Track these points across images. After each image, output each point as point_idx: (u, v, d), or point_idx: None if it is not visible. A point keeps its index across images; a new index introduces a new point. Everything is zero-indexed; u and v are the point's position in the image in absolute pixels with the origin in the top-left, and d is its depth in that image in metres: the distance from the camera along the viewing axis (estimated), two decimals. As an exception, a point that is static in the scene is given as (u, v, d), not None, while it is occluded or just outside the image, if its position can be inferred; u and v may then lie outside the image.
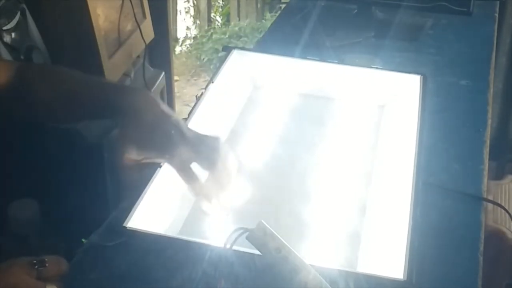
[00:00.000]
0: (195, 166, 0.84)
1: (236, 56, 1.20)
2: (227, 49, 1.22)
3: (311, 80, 1.22)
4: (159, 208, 0.87)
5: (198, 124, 1.01)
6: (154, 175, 0.87)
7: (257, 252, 0.74)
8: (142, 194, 0.84)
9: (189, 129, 0.87)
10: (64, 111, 0.93)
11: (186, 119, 1.00)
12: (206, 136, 0.88)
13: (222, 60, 1.19)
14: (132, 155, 0.82)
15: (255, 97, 1.22)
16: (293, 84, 1.23)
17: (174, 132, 0.84)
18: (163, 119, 0.84)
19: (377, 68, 1.22)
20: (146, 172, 0.86)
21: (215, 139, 0.88)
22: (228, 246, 0.73)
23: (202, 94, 1.06)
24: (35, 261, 0.71)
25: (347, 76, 1.21)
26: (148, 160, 0.84)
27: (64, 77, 0.94)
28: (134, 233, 0.79)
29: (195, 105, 1.03)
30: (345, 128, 1.14)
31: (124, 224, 0.80)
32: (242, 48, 1.25)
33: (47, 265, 0.71)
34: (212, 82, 1.09)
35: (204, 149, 0.85)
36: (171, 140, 0.83)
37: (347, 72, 1.21)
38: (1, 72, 0.92)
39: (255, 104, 1.21)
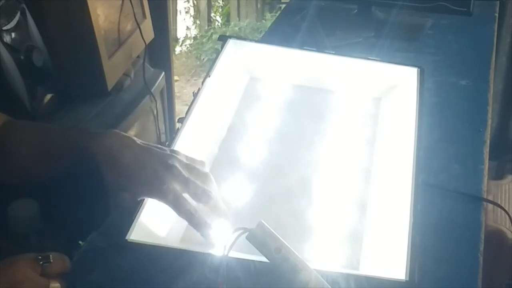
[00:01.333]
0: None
1: (232, 47, 1.19)
2: (223, 39, 1.21)
3: (308, 71, 1.21)
4: (160, 214, 0.87)
5: (197, 121, 1.01)
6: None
7: (256, 258, 0.74)
8: (143, 203, 0.84)
9: (174, 157, 0.84)
10: (39, 167, 0.91)
11: (184, 118, 1.00)
12: (193, 162, 0.86)
13: (218, 51, 1.18)
14: (127, 197, 0.81)
15: (252, 88, 1.22)
16: (289, 75, 1.22)
17: (157, 167, 0.82)
18: (142, 157, 0.83)
19: (374, 59, 1.21)
20: None
21: (201, 163, 0.87)
22: (228, 246, 0.73)
23: (199, 90, 1.06)
24: (40, 257, 0.71)
25: (345, 67, 1.20)
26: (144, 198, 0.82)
27: (39, 132, 0.93)
28: (136, 245, 0.79)
29: (192, 102, 1.03)
30: (343, 121, 1.13)
31: (126, 238, 0.79)
32: (238, 38, 1.24)
33: (51, 261, 0.71)
34: (209, 76, 1.09)
35: (194, 179, 0.83)
36: (155, 176, 0.81)
37: (345, 64, 1.20)
38: None
39: (251, 95, 1.20)
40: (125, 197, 0.81)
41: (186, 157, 0.87)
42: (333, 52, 1.26)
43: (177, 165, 0.83)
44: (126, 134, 0.86)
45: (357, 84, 1.20)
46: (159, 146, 0.86)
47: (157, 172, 0.81)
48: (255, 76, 1.24)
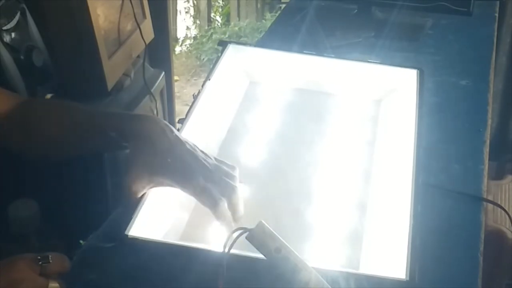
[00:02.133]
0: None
1: (232, 51, 1.19)
2: (223, 44, 1.21)
3: (308, 75, 1.21)
4: (160, 212, 0.87)
5: (197, 123, 1.01)
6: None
7: (257, 256, 0.74)
8: (143, 199, 0.84)
9: (205, 154, 0.85)
10: (71, 145, 0.92)
11: (184, 118, 1.00)
12: (222, 162, 0.87)
13: (218, 56, 1.19)
14: (143, 182, 0.81)
15: (252, 92, 1.22)
16: (289, 79, 1.23)
17: (190, 158, 0.82)
18: (177, 145, 0.83)
19: (374, 62, 1.21)
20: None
21: (232, 167, 0.87)
22: (228, 246, 0.73)
23: (199, 92, 1.06)
24: (39, 257, 0.71)
25: (344, 70, 1.20)
26: (157, 187, 0.83)
27: (69, 111, 0.93)
28: (136, 240, 0.79)
29: (192, 104, 1.03)
30: (343, 123, 1.13)
31: (126, 232, 0.79)
32: (238, 43, 1.24)
33: (50, 261, 0.71)
34: (209, 79, 1.09)
35: (221, 176, 0.84)
36: (186, 167, 0.82)
37: (344, 67, 1.20)
38: (4, 101, 0.92)
39: (251, 99, 1.20)
40: (143, 179, 0.81)
41: (216, 158, 0.87)
42: (333, 56, 1.26)
43: (208, 161, 0.84)
44: (165, 122, 0.86)
45: (357, 87, 1.20)
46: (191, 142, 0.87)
47: (189, 164, 0.82)
48: (255, 80, 1.24)
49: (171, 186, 0.83)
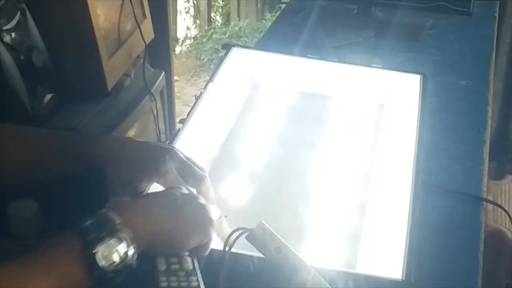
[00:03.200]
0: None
1: (235, 54, 1.20)
2: (227, 47, 1.21)
3: (311, 79, 1.22)
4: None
5: (198, 124, 1.01)
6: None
7: (256, 254, 0.74)
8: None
9: (172, 147, 0.86)
10: (34, 170, 0.90)
11: (185, 119, 1.00)
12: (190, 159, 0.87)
13: (221, 58, 1.19)
14: (129, 189, 0.81)
15: (255, 95, 1.22)
16: (292, 83, 1.23)
17: (157, 152, 0.83)
18: (141, 147, 0.84)
19: (376, 67, 1.22)
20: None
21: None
22: (228, 246, 0.73)
23: (201, 93, 1.06)
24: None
25: (347, 75, 1.20)
26: (146, 187, 0.83)
27: (34, 136, 0.91)
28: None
29: (194, 104, 1.03)
30: (345, 127, 1.14)
31: None
32: (242, 46, 1.24)
33: None
34: (212, 81, 1.09)
35: (189, 167, 0.84)
36: (156, 159, 0.82)
37: (347, 71, 1.21)
38: None
39: (254, 102, 1.20)
40: (126, 189, 0.80)
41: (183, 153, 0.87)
42: (336, 60, 1.26)
43: (175, 149, 0.84)
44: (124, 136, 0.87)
45: (359, 91, 1.20)
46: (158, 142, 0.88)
47: (156, 156, 0.82)
48: (258, 83, 1.24)
49: (152, 182, 0.83)
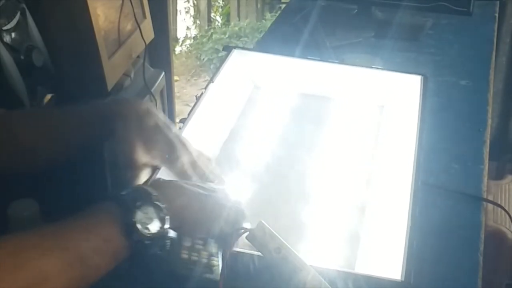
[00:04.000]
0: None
1: (236, 56, 1.20)
2: (228, 49, 1.22)
3: (311, 80, 1.22)
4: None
5: (198, 124, 1.01)
6: (154, 175, 0.87)
7: (256, 252, 0.74)
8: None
9: (187, 140, 0.87)
10: (54, 150, 0.90)
11: (185, 119, 1.00)
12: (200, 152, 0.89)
13: (222, 60, 1.19)
14: (135, 158, 0.82)
15: (255, 97, 1.22)
16: (293, 84, 1.23)
17: (176, 140, 0.84)
18: (165, 126, 0.84)
19: (377, 68, 1.22)
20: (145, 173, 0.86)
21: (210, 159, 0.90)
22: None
23: (202, 94, 1.06)
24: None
25: (347, 76, 1.21)
26: (149, 164, 0.83)
27: (47, 115, 0.92)
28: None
29: (194, 105, 1.03)
30: (345, 128, 1.14)
31: None
32: (243, 48, 1.25)
33: None
34: (212, 82, 1.09)
35: (201, 161, 0.86)
36: (174, 146, 0.83)
37: (347, 72, 1.21)
38: None
39: (255, 104, 1.21)
40: (135, 155, 0.81)
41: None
42: (336, 61, 1.26)
43: (191, 145, 0.86)
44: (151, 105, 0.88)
45: (360, 93, 1.20)
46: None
47: (174, 144, 0.83)
48: (259, 85, 1.24)
49: (161, 163, 0.84)
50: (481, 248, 0.91)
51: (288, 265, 0.72)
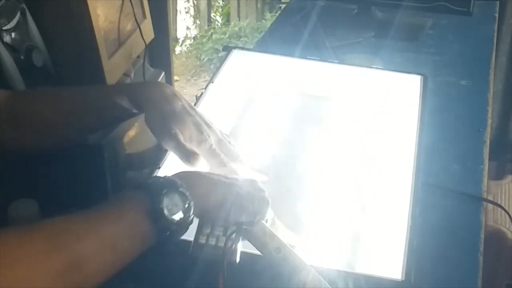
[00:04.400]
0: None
1: (236, 56, 1.20)
2: (227, 49, 1.22)
3: (311, 80, 1.22)
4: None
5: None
6: (154, 175, 0.88)
7: (257, 252, 0.74)
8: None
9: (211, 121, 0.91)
10: (73, 128, 0.94)
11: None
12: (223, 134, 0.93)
13: (222, 60, 1.19)
14: (166, 139, 0.85)
15: (255, 97, 1.22)
16: (293, 84, 1.23)
17: (203, 121, 0.88)
18: (191, 108, 0.89)
19: (377, 68, 1.22)
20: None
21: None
22: (228, 246, 0.73)
23: (202, 94, 1.06)
24: None
25: (347, 76, 1.21)
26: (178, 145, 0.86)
27: (63, 96, 0.95)
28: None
29: (194, 104, 1.03)
30: (345, 128, 1.14)
31: None
32: (242, 48, 1.25)
33: None
34: (212, 82, 1.09)
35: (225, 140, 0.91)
36: (202, 126, 0.87)
37: (347, 72, 1.21)
38: None
39: (254, 103, 1.20)
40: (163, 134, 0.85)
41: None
42: (336, 61, 1.26)
43: (215, 127, 0.90)
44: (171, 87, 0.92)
45: (360, 93, 1.20)
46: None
47: (201, 125, 0.87)
48: (259, 85, 1.24)
49: (189, 144, 0.86)
50: (481, 248, 0.91)
51: (288, 265, 0.72)
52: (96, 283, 0.64)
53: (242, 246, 0.75)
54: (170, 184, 0.70)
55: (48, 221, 0.64)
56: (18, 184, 1.19)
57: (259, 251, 0.74)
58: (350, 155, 1.07)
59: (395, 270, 0.75)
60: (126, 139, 1.34)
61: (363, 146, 1.09)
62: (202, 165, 0.87)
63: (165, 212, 0.68)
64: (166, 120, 0.85)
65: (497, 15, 1.82)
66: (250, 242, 0.74)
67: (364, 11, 1.69)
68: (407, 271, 0.75)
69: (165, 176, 0.72)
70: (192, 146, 0.86)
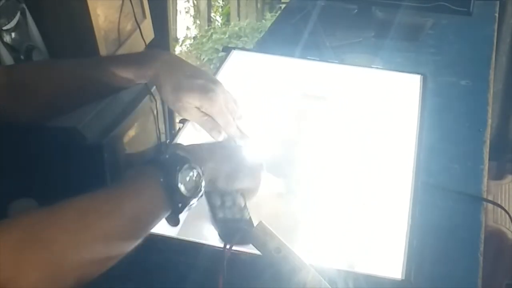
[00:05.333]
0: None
1: (235, 56, 1.20)
2: (227, 50, 1.22)
3: (311, 80, 1.22)
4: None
5: (197, 125, 1.01)
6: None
7: (257, 252, 0.74)
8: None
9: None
10: (72, 98, 0.99)
11: (185, 119, 1.00)
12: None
13: (221, 61, 1.19)
14: (180, 98, 0.91)
15: (255, 97, 1.22)
16: (293, 84, 1.23)
17: (214, 80, 0.95)
18: (196, 71, 0.95)
19: (377, 68, 1.22)
20: None
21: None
22: (228, 246, 0.73)
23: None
24: None
25: (347, 76, 1.21)
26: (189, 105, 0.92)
27: (68, 66, 0.99)
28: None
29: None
30: (345, 128, 1.14)
31: None
32: (242, 49, 1.25)
33: None
34: None
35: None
36: (211, 87, 0.92)
37: (347, 72, 1.21)
38: None
39: (254, 103, 1.20)
40: (174, 95, 0.92)
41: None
42: (336, 61, 1.26)
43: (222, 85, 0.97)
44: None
45: (360, 92, 1.20)
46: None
47: (208, 84, 0.93)
48: (259, 85, 1.24)
49: (194, 103, 0.92)
50: (481, 248, 0.91)
51: (288, 265, 0.72)
52: (119, 257, 0.69)
53: (242, 246, 0.75)
54: (182, 160, 0.74)
55: (75, 201, 0.68)
56: (18, 184, 1.19)
57: (259, 251, 0.74)
58: (350, 155, 1.07)
59: (395, 270, 0.75)
60: (126, 139, 1.34)
61: (363, 146, 1.09)
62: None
63: (180, 186, 0.72)
64: (179, 93, 0.91)
65: (497, 15, 1.82)
66: (250, 242, 0.74)
67: (364, 11, 1.69)
68: (407, 270, 0.75)
69: (176, 153, 0.76)
70: (204, 109, 0.92)
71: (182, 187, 0.73)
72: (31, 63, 1.04)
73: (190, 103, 0.92)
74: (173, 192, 0.72)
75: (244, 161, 0.86)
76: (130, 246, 0.70)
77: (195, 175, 0.75)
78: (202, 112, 0.93)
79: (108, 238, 0.67)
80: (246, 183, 0.85)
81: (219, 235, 0.80)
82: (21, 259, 0.60)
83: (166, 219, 0.75)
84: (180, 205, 0.73)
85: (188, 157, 0.75)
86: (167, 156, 0.76)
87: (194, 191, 0.74)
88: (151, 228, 0.73)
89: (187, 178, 0.74)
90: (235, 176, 0.83)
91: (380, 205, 0.94)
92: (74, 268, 0.64)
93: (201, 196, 0.76)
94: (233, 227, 0.79)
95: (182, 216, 0.75)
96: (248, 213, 0.81)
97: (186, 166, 0.74)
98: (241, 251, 0.75)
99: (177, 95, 0.92)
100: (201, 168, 0.76)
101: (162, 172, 0.73)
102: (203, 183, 0.75)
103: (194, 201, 0.75)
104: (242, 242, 0.77)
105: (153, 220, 0.73)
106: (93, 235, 0.66)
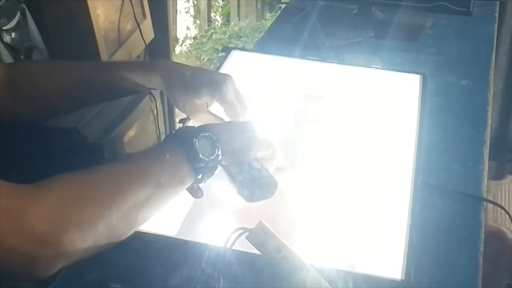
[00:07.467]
0: None
1: (235, 57, 1.20)
2: (227, 50, 1.22)
3: (311, 80, 1.22)
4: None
5: (198, 124, 1.01)
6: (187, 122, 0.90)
7: (257, 252, 0.74)
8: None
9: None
10: (73, 100, 0.99)
11: (185, 119, 1.00)
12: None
13: (221, 61, 1.19)
14: (183, 98, 0.94)
15: (254, 97, 1.22)
16: (293, 84, 1.23)
17: (221, 75, 0.97)
18: (201, 69, 0.99)
19: (377, 68, 1.22)
20: None
21: None
22: (228, 246, 0.73)
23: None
24: None
25: (347, 76, 1.20)
26: (199, 101, 0.95)
27: (69, 68, 1.00)
28: (135, 233, 0.79)
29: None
30: (345, 128, 1.14)
31: None
32: (242, 49, 1.25)
33: None
34: None
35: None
36: (217, 81, 0.96)
37: (347, 72, 1.21)
38: None
39: (254, 104, 1.20)
40: (181, 96, 0.95)
41: None
42: (336, 61, 1.26)
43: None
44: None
45: (359, 92, 1.20)
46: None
47: (215, 77, 0.97)
48: (259, 85, 1.24)
49: (201, 98, 0.96)
50: (481, 248, 0.91)
51: (288, 265, 0.72)
52: (145, 221, 0.74)
53: (242, 246, 0.75)
54: (200, 131, 0.80)
55: (106, 166, 0.75)
56: (18, 184, 1.19)
57: (259, 251, 0.73)
58: (350, 155, 1.07)
59: (395, 270, 0.75)
60: (126, 139, 1.34)
61: (363, 146, 1.09)
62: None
63: (200, 154, 0.78)
64: (189, 91, 0.95)
65: (497, 15, 1.82)
66: (250, 242, 0.74)
67: (364, 11, 1.69)
68: (407, 270, 0.75)
69: (194, 126, 0.83)
70: (214, 100, 0.96)
71: (201, 155, 0.78)
72: (34, 62, 1.04)
73: (201, 99, 0.95)
74: (194, 159, 0.77)
75: (257, 134, 0.90)
76: (155, 211, 0.75)
77: (212, 144, 0.80)
78: (213, 114, 0.97)
79: (138, 203, 0.72)
80: (260, 153, 0.89)
81: (241, 196, 0.85)
82: (62, 216, 0.66)
83: (190, 191, 0.81)
84: (201, 166, 0.78)
85: (205, 129, 0.81)
86: (181, 129, 0.82)
87: (213, 158, 0.79)
88: (176, 195, 0.78)
89: (204, 146, 0.79)
90: (249, 146, 0.87)
91: (379, 205, 0.94)
92: (107, 228, 0.69)
93: (220, 160, 0.81)
94: (254, 185, 0.85)
95: (197, 196, 0.81)
96: (267, 171, 0.87)
97: (202, 134, 0.79)
98: (241, 251, 0.75)
99: (186, 93, 0.95)
100: (217, 140, 0.80)
101: (182, 141, 0.78)
102: (219, 151, 0.80)
103: (214, 165, 0.80)
104: (263, 197, 0.85)
105: (177, 185, 0.77)
106: (123, 200, 0.70)
